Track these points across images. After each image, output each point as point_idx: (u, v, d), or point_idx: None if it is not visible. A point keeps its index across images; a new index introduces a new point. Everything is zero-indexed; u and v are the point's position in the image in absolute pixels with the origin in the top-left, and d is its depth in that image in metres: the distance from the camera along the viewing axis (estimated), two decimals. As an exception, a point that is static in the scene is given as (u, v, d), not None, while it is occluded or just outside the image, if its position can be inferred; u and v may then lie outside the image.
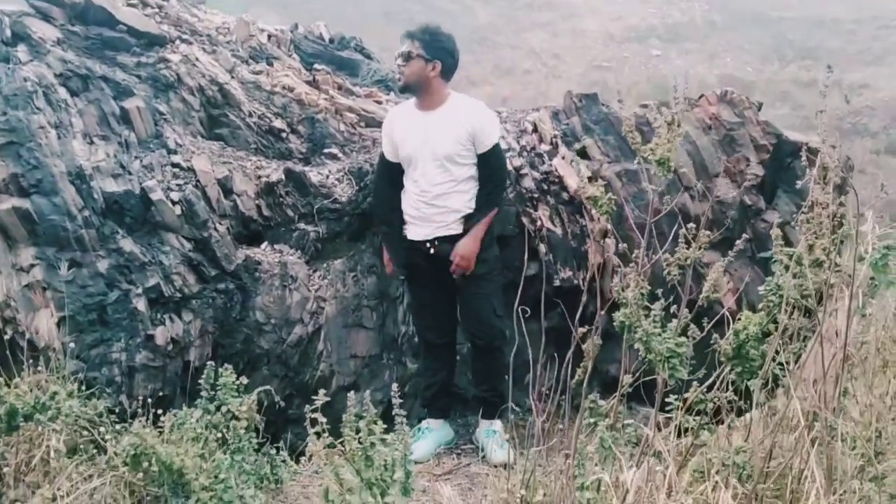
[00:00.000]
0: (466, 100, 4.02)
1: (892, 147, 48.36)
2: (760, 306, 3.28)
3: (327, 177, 4.81)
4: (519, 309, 4.12)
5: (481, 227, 3.89)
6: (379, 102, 5.27)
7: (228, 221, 4.34)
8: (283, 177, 4.63)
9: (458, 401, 4.49)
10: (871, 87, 59.78)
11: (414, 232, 3.98)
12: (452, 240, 3.87)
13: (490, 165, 3.86)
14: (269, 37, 5.50)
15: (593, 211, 4.21)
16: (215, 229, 4.17)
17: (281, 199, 4.59)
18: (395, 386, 2.47)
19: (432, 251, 3.89)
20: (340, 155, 5.05)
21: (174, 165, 4.29)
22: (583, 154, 4.42)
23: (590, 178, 3.19)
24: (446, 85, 3.95)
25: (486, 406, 4.05)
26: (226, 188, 4.38)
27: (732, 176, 4.18)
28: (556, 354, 4.71)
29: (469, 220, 3.87)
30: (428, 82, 3.89)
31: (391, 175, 4.07)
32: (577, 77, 62.72)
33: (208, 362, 3.30)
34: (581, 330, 3.06)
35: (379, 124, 5.16)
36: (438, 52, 3.87)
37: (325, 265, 4.54)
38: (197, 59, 4.93)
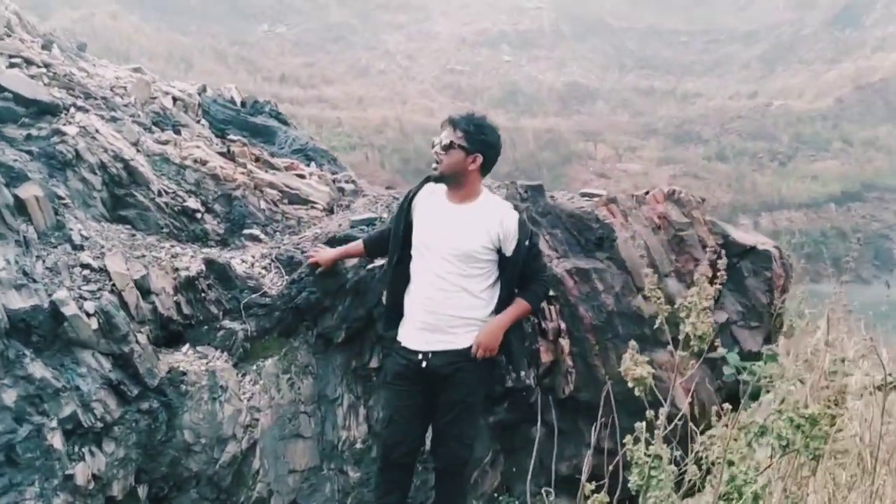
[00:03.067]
0: (498, 200, 3.79)
1: (722, 154, 51.92)
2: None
3: (252, 265, 4.42)
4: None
5: (510, 314, 3.64)
6: (302, 177, 4.91)
7: (148, 327, 3.87)
8: (203, 268, 4.21)
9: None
10: (704, 95, 64.05)
11: (409, 339, 3.68)
12: (449, 355, 3.60)
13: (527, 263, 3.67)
14: (175, 100, 5.00)
15: (549, 309, 4.09)
16: (136, 342, 3.70)
17: (203, 294, 4.16)
18: None
19: (424, 365, 3.62)
20: (262, 236, 4.67)
21: (84, 266, 3.78)
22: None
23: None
24: (482, 179, 3.70)
25: (441, 527, 3.83)
26: (143, 288, 3.91)
27: (681, 276, 4.17)
28: (500, 448, 4.59)
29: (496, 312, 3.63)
30: (465, 175, 3.61)
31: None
32: (432, 80, 63.38)
33: None
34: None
35: (303, 201, 4.83)
36: (481, 145, 3.59)
37: (254, 367, 4.16)
38: (97, 131, 4.40)
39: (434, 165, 3.67)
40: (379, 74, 63.86)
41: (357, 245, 4.12)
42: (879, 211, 46.05)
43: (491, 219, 3.61)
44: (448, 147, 3.59)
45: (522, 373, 4.13)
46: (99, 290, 3.72)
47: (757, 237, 4.31)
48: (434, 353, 3.62)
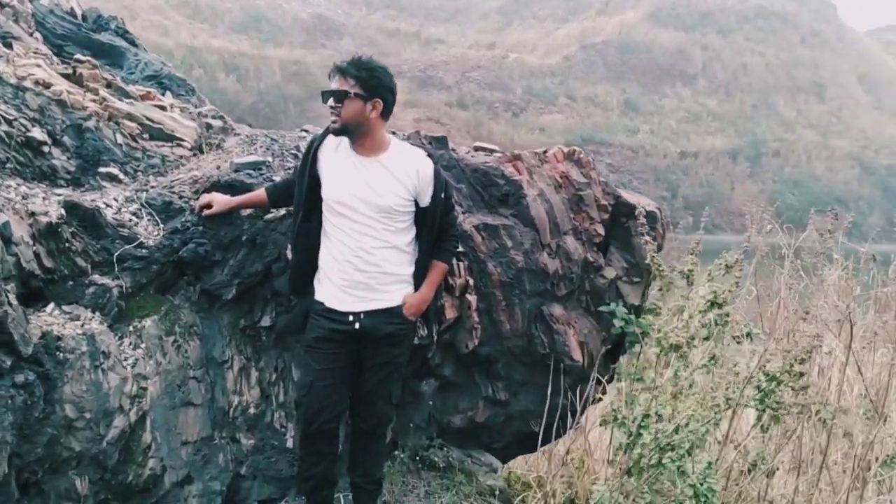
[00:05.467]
0: (409, 148, 3.54)
1: (462, 101, 54.14)
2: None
3: (119, 211, 3.84)
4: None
5: (435, 279, 3.58)
6: (163, 108, 4.31)
7: (12, 284, 3.23)
8: (63, 213, 3.58)
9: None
10: (446, 42, 66.14)
11: (335, 300, 3.42)
12: (383, 315, 3.41)
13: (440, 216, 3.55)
14: (2, 6, 4.12)
15: (457, 266, 4.03)
16: (9, 303, 3.07)
17: (67, 244, 3.55)
18: None
19: (356, 326, 3.39)
20: (122, 176, 4.08)
21: (-70, 210, 3.05)
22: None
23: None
24: (385, 125, 3.43)
25: (360, 492, 3.67)
26: (3, 238, 3.24)
27: (578, 234, 4.29)
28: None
29: (416, 274, 3.54)
30: (367, 123, 3.35)
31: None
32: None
33: None
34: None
35: (167, 137, 4.29)
36: (378, 89, 3.32)
37: (132, 329, 3.65)
38: (-86, 38, 3.53)
39: (333, 119, 3.42)
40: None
41: (259, 194, 3.75)
42: (595, 163, 50.95)
43: (406, 171, 3.46)
44: (343, 97, 3.35)
45: (425, 329, 4.05)
46: (-44, 239, 3.02)
47: (642, 199, 4.55)
48: (366, 312, 3.44)
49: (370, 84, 3.34)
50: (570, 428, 4.50)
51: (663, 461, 2.77)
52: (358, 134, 3.38)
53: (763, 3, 69.66)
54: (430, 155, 3.60)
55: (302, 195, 3.50)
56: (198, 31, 51.01)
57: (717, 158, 53.59)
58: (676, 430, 3.06)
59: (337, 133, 3.39)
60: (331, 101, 3.32)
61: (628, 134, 54.09)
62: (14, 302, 3.14)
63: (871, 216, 47.77)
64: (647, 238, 4.33)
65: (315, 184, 3.50)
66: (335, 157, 3.50)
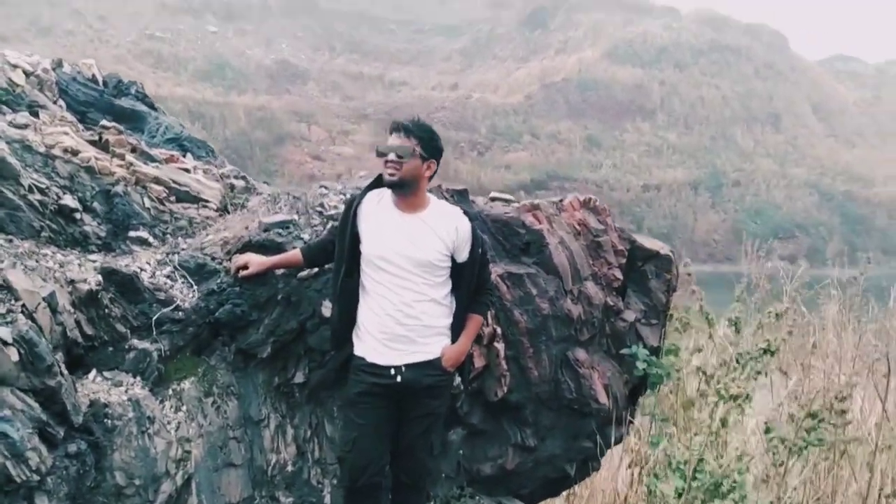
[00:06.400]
0: (447, 206, 3.67)
1: (428, 141, 54.49)
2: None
3: (153, 274, 3.88)
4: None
5: (472, 332, 3.66)
6: (187, 170, 4.38)
7: (60, 353, 3.26)
8: (100, 279, 3.62)
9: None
10: (409, 84, 66.73)
11: (376, 354, 3.48)
12: (424, 367, 3.49)
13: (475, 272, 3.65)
14: (27, 75, 4.17)
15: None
16: (61, 373, 3.10)
17: (107, 311, 3.58)
18: None
19: (398, 379, 3.46)
20: (151, 239, 4.13)
21: (-18, 284, 3.07)
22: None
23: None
24: (428, 186, 3.59)
25: (401, 542, 3.71)
26: (52, 308, 3.27)
27: (597, 279, 4.42)
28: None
29: (453, 327, 3.62)
30: (420, 182, 3.48)
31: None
32: (129, 45, 58.61)
33: None
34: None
35: (193, 199, 4.35)
36: (435, 152, 3.51)
37: (171, 392, 3.68)
38: (-50, 112, 3.58)
39: (390, 172, 3.53)
40: (66, 35, 57.50)
41: (294, 255, 3.82)
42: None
43: (446, 227, 3.58)
44: (407, 154, 3.48)
45: (457, 377, 4.12)
46: (9, 311, 3.04)
47: (656, 243, 4.70)
48: (407, 366, 3.51)
49: (430, 146, 3.51)
50: (595, 470, 4.57)
51: (724, 501, 2.86)
52: (410, 190, 3.50)
53: (717, 36, 71.88)
54: (466, 213, 3.73)
55: (343, 253, 3.58)
56: (161, 80, 50.94)
57: (679, 190, 54.68)
58: (722, 469, 3.16)
59: (392, 186, 3.49)
60: (392, 156, 3.44)
61: (592, 169, 55.00)
62: (65, 371, 3.17)
63: (831, 241, 48.94)
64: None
65: (356, 241, 3.59)
66: (376, 213, 3.59)
